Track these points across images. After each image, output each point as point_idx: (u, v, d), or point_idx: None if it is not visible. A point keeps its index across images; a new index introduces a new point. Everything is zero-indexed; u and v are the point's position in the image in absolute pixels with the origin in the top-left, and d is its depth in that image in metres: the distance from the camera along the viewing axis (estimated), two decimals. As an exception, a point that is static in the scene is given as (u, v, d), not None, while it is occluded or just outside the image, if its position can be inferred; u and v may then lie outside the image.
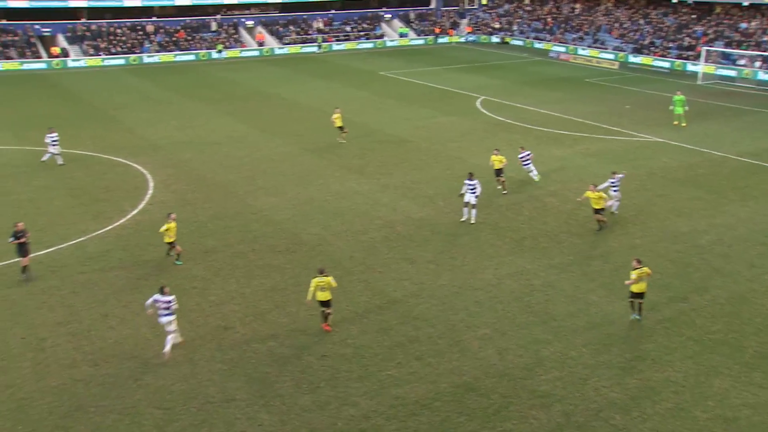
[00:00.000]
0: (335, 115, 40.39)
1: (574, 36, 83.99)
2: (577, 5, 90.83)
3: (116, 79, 64.97)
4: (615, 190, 28.25)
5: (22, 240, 22.70)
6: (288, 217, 28.56)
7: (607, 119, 46.20)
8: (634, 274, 19.80)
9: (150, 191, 31.72)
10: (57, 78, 65.31)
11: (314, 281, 19.38)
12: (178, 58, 77.66)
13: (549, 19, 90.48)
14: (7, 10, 75.32)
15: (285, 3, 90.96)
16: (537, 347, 18.83)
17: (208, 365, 18.03)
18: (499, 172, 31.46)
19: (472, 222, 27.68)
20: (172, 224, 23.68)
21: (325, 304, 19.54)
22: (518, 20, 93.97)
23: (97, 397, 16.70)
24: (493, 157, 31.49)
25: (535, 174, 33.05)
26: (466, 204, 27.69)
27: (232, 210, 29.31)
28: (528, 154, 32.82)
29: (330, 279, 19.31)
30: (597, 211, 26.74)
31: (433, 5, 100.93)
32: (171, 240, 23.76)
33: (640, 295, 20.08)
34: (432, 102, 52.11)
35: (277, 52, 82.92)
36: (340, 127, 40.20)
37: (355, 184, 32.73)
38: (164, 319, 18.28)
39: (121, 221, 27.94)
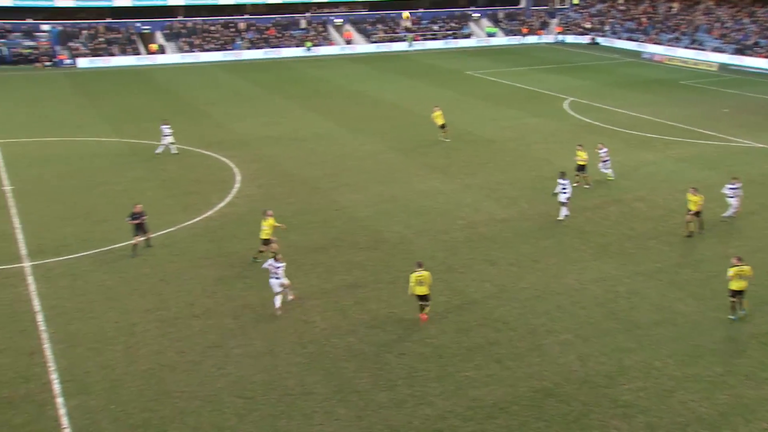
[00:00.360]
0: (435, 113, 40.62)
1: (670, 36, 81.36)
2: (675, 4, 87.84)
3: (208, 75, 67.05)
4: (733, 197, 27.33)
5: (139, 221, 24.61)
6: (370, 214, 28.82)
7: (702, 123, 44.56)
8: (731, 271, 19.39)
9: (237, 185, 32.59)
10: (152, 73, 67.93)
11: (413, 276, 19.79)
12: (267, 55, 79.45)
13: (644, 19, 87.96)
14: (112, 9, 78.97)
15: (373, 1, 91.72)
16: (620, 355, 18.37)
17: (288, 358, 18.42)
18: (581, 168, 31.48)
19: (560, 218, 27.41)
20: (270, 220, 23.76)
21: (423, 298, 20.04)
22: (611, 20, 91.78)
23: (181, 384, 17.32)
24: (579, 153, 31.63)
25: (610, 172, 32.78)
26: (562, 203, 27.66)
27: (316, 206, 29.80)
28: (606, 152, 32.75)
29: (428, 274, 19.83)
30: (695, 214, 25.88)
31: (522, 4, 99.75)
32: (267, 237, 23.79)
33: (740, 293, 19.67)
34: (518, 102, 51.50)
35: (364, 49, 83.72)
36: (442, 125, 40.23)
37: (439, 184, 32.71)
38: (273, 282, 20.63)
39: (209, 213, 28.85)
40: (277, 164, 35.89)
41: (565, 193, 27.50)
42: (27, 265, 23.93)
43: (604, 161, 32.66)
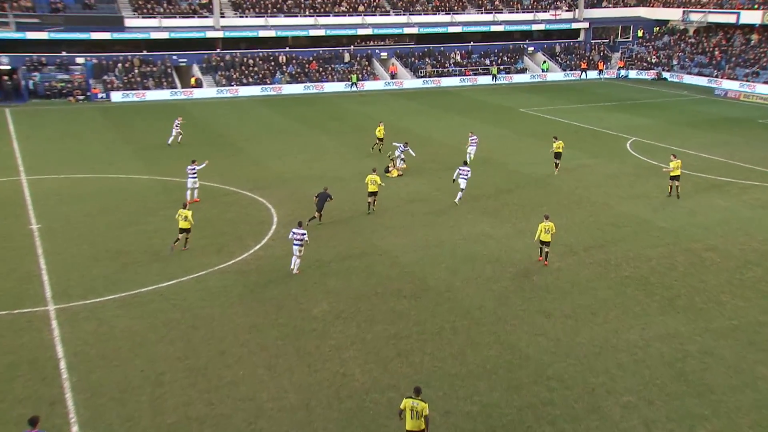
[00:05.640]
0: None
1: (747, 71, 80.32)
2: (753, 36, 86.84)
3: (246, 110, 68.38)
4: None
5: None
6: (415, 259, 28.77)
7: (783, 166, 43.74)
8: None
9: (274, 226, 32.91)
10: (188, 108, 69.49)
11: (541, 225, 27.32)
12: (308, 90, 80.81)
13: (717, 52, 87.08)
14: (149, 41, 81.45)
15: (421, 34, 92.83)
16: (691, 422, 17.80)
17: (325, 413, 18.29)
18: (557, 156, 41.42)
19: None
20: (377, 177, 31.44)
21: (545, 243, 27.72)
22: (679, 54, 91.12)
23: (210, 438, 17.30)
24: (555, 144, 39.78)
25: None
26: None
27: (357, 249, 29.87)
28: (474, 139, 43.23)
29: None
30: None
31: (581, 38, 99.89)
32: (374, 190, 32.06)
33: None
34: (576, 142, 51.26)
35: (411, 84, 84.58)
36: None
37: (489, 228, 32.57)
38: (295, 248, 26.89)
39: (244, 256, 29.11)
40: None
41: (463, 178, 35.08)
42: (51, 308, 24.37)
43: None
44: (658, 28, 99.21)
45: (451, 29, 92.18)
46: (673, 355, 21.12)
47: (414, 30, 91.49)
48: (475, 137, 45.30)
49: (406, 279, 26.81)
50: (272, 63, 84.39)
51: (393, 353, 21.27)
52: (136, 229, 32.61)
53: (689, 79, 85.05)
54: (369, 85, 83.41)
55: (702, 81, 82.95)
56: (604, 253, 29.22)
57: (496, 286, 26.18)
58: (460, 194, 35.93)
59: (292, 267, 27.20)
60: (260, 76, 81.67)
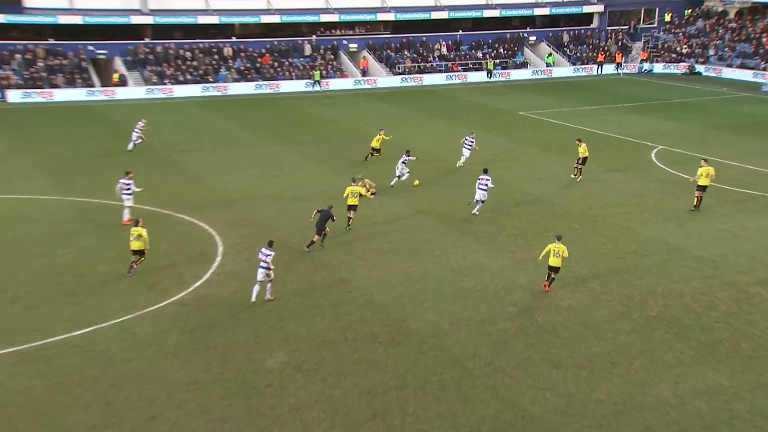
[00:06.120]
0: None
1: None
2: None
3: (184, 114, 68.36)
4: None
5: None
6: (393, 297, 28.78)
7: None
8: None
9: (219, 257, 32.78)
10: (110, 111, 69.20)
11: (550, 246, 28.43)
12: (261, 90, 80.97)
13: (764, 39, 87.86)
14: (55, 28, 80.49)
15: (398, 21, 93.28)
16: (734, 496, 17.91)
17: (282, 491, 18.17)
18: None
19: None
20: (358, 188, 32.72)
21: (554, 269, 28.62)
22: (716, 42, 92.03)
23: None
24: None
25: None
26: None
27: (322, 285, 29.84)
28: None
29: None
30: None
31: (595, 24, 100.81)
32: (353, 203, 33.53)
33: None
34: (590, 152, 51.68)
35: (387, 83, 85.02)
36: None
37: (483, 258, 32.71)
38: (260, 272, 27.65)
39: (181, 295, 28.95)
40: (272, 230, 35.98)
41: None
42: (-67, 364, 23.98)
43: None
44: (690, 11, 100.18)
45: (435, 15, 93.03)
46: (715, 416, 21.23)
47: (390, 16, 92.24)
48: (472, 139, 47.64)
49: (383, 321, 26.77)
50: (215, 56, 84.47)
51: (367, 414, 21.21)
52: (41, 263, 32.28)
53: (729, 73, 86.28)
54: (335, 84, 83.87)
55: (746, 75, 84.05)
56: (625, 288, 29.38)
57: (493, 329, 26.22)
58: (479, 205, 38.25)
59: (252, 299, 27.75)
60: (200, 72, 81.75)
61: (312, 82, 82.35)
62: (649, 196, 41.74)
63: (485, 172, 38.21)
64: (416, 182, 43.29)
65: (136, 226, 30.34)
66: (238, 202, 40.88)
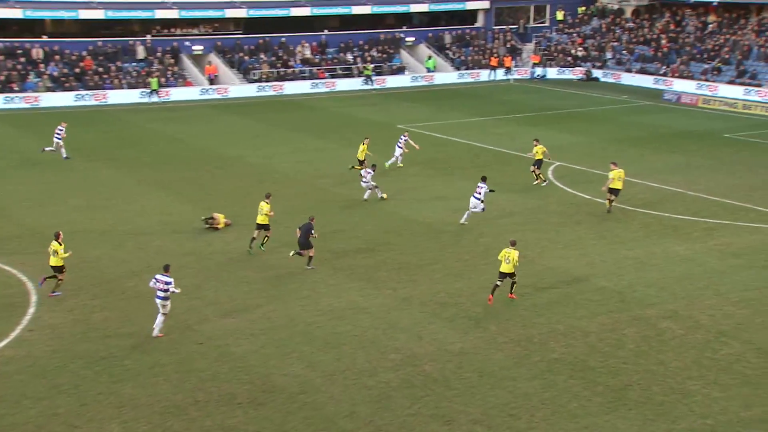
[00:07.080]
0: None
1: (705, 66, 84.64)
2: (711, 17, 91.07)
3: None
4: None
5: None
6: (253, 348, 28.50)
7: (762, 198, 46.31)
8: None
9: (31, 309, 31.83)
10: None
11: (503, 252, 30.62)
12: (82, 101, 79.35)
13: (664, 41, 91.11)
14: None
15: (251, 19, 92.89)
16: None
17: None
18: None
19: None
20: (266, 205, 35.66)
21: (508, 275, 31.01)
22: (614, 43, 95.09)
23: None
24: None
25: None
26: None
27: (165, 337, 29.29)
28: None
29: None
30: None
31: (480, 23, 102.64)
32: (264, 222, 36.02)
33: None
34: (479, 170, 52.31)
35: (240, 92, 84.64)
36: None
37: (360, 297, 32.75)
38: (158, 302, 28.50)
39: (-14, 358, 27.95)
40: (100, 273, 35.32)
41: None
42: None
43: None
44: (584, 8, 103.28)
45: (296, 11, 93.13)
46: (625, 469, 21.70)
47: (241, 12, 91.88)
48: (405, 136, 53.73)
49: (241, 378, 26.44)
50: (21, 60, 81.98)
51: (224, 491, 20.86)
52: None
53: (629, 79, 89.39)
54: (177, 94, 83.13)
55: (646, 81, 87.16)
56: (523, 327, 29.82)
57: (373, 381, 26.19)
58: (467, 213, 41.39)
59: (154, 332, 29.25)
60: (2, 79, 79.25)
61: (148, 91, 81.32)
62: (547, 219, 42.66)
63: (483, 180, 40.85)
64: (384, 195, 45.83)
65: (57, 240, 32.38)
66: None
